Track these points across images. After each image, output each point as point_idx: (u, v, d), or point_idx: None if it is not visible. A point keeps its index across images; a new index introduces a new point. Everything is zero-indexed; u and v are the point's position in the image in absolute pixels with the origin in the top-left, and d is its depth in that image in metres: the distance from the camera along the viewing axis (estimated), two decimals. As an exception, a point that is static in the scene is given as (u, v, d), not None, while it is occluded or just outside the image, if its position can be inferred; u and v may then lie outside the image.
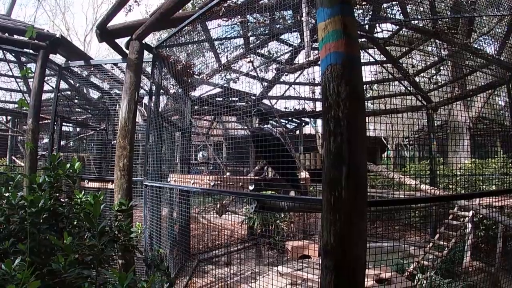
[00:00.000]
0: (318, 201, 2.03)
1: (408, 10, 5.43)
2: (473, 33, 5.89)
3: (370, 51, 6.73)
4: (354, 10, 5.21)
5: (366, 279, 1.89)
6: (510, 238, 5.77)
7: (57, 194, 2.66)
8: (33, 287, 1.61)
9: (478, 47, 5.90)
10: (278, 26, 5.81)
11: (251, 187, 3.10)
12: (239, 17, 4.35)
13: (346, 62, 1.76)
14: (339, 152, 1.72)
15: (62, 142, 7.87)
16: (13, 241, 2.15)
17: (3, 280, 1.77)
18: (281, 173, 3.38)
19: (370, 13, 5.55)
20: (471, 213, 5.63)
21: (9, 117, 11.48)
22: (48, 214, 2.42)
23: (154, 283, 3.85)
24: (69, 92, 8.06)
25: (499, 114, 9.80)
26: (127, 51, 4.73)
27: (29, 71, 2.27)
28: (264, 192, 3.32)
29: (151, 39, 12.95)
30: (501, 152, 8.64)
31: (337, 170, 1.72)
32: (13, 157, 10.97)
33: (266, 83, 7.62)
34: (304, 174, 3.88)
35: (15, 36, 5.24)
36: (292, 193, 3.44)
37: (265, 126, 3.58)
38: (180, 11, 4.41)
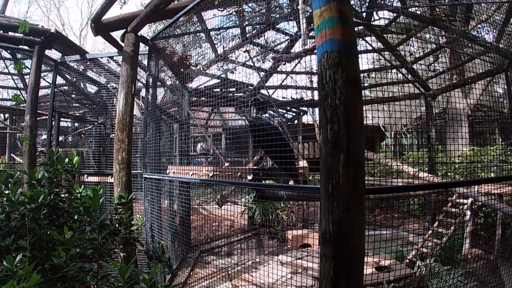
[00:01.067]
0: (317, 190, 2.03)
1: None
2: (471, 20, 5.85)
3: (368, 39, 6.68)
4: (351, -2, 5.17)
5: (366, 267, 1.90)
6: (509, 225, 5.80)
7: (57, 190, 2.67)
8: (34, 281, 1.62)
9: (477, 35, 5.86)
10: (274, 15, 5.76)
11: (249, 177, 3.10)
12: (235, 6, 4.31)
13: (342, 49, 1.75)
14: (336, 140, 1.72)
15: (61, 138, 7.86)
16: (14, 238, 2.16)
17: (5, 277, 1.77)
18: (278, 162, 3.38)
19: (368, 0, 5.51)
20: (470, 200, 5.66)
21: (7, 115, 11.45)
22: (48, 209, 2.43)
23: (156, 274, 3.87)
24: (66, 87, 8.02)
25: (497, 101, 9.80)
26: (122, 44, 4.69)
27: (23, 65, 2.25)
28: (263, 181, 3.32)
29: (147, 31, 12.86)
30: (500, 140, 8.65)
31: (334, 158, 1.72)
32: (12, 155, 10.96)
33: (263, 73, 7.59)
34: (302, 163, 3.88)
35: (10, 33, 5.19)
36: (291, 183, 3.45)
37: (263, 115, 3.58)
38: (175, 1, 4.37)
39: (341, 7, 1.78)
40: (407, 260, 5.50)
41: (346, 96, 1.72)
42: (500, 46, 5.50)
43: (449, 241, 5.69)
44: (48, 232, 2.24)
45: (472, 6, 5.58)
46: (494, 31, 5.93)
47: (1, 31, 5.12)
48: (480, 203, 6.00)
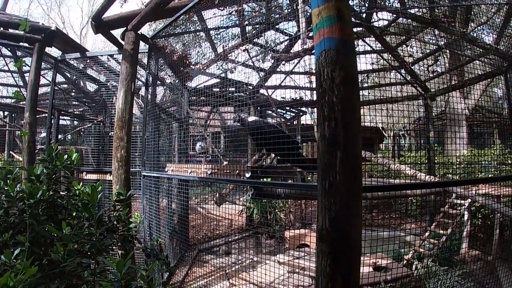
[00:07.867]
0: (314, 187, 2.04)
1: (405, -2, 5.40)
2: (470, 22, 5.86)
3: (367, 40, 6.69)
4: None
5: (363, 266, 1.91)
6: (507, 227, 5.82)
7: (56, 186, 2.67)
8: (30, 273, 1.62)
9: (476, 36, 5.87)
10: (274, 15, 5.78)
11: (247, 175, 3.11)
12: (235, 6, 4.32)
13: (340, 47, 1.76)
14: (333, 137, 1.73)
15: (60, 136, 7.86)
16: (12, 233, 2.16)
17: (3, 271, 1.78)
18: (286, 156, 3.34)
19: (367, 1, 5.52)
20: (468, 201, 5.67)
21: (6, 112, 11.46)
22: (47, 205, 2.43)
23: (154, 271, 3.88)
24: (65, 85, 8.03)
25: (496, 103, 9.82)
26: (123, 42, 4.70)
27: (23, 63, 2.26)
28: (262, 179, 3.33)
29: (147, 30, 12.87)
30: (499, 142, 8.66)
31: (331, 154, 1.73)
32: (11, 152, 10.94)
33: (263, 73, 7.59)
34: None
35: (10, 30, 5.20)
36: (290, 181, 3.46)
37: (259, 118, 3.59)
38: (176, 0, 4.38)
39: (339, 5, 1.79)
40: (405, 261, 5.51)
41: (344, 93, 1.73)
42: (500, 48, 5.51)
43: (447, 242, 5.70)
44: (47, 228, 2.25)
45: (472, 8, 5.59)
46: (494, 33, 5.93)
47: (2, 28, 5.13)
48: (478, 204, 6.02)
